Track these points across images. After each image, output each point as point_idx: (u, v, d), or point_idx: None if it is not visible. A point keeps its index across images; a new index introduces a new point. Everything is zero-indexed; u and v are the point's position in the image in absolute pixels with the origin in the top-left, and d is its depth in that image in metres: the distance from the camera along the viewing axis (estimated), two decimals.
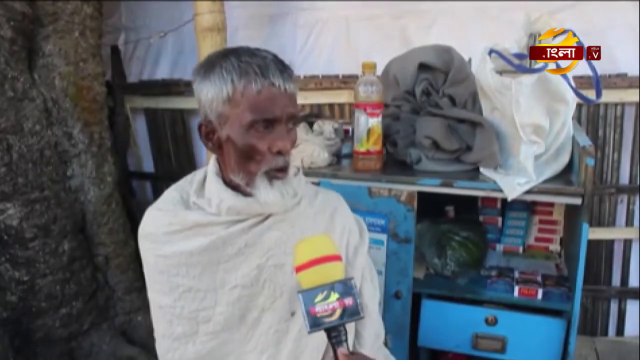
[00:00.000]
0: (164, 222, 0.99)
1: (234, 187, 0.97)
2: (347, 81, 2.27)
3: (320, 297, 0.81)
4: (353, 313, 0.82)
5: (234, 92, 0.89)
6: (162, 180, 2.70)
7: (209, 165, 1.02)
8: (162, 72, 2.57)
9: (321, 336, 0.84)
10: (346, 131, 1.72)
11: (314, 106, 2.35)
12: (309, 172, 1.47)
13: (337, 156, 1.61)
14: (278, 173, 0.95)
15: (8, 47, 1.74)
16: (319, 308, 0.81)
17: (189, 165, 2.63)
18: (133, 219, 2.27)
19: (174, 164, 2.67)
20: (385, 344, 1.19)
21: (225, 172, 0.98)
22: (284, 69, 0.91)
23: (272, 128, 0.92)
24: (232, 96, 0.89)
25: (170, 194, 1.05)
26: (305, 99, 2.30)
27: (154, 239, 1.00)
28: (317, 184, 1.44)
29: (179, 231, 0.98)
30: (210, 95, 0.91)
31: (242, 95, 0.89)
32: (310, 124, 1.59)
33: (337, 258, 0.86)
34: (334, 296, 0.81)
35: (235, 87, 0.89)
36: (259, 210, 0.97)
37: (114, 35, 2.60)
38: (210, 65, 0.92)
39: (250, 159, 0.93)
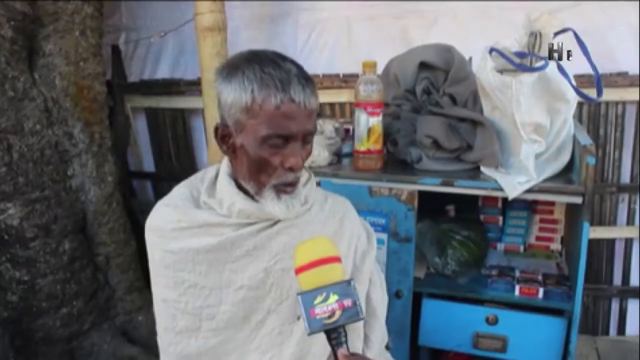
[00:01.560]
0: (172, 218, 0.99)
1: (246, 191, 0.97)
2: (347, 80, 2.27)
3: (319, 298, 0.81)
4: (352, 314, 0.81)
5: (253, 103, 0.87)
6: (162, 180, 2.70)
7: (222, 165, 1.02)
8: (163, 72, 2.57)
9: (326, 340, 0.84)
10: (347, 130, 1.72)
11: None
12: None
13: (338, 155, 1.61)
14: (287, 187, 0.95)
15: (8, 46, 1.73)
16: (319, 310, 0.80)
17: (189, 164, 2.64)
18: (134, 219, 2.27)
19: (175, 164, 2.67)
20: (387, 346, 1.19)
21: (237, 176, 0.98)
22: (306, 84, 0.89)
23: (287, 144, 0.90)
24: (251, 107, 0.88)
25: (180, 190, 1.04)
26: None
27: (161, 234, 1.00)
28: (318, 183, 1.43)
29: (188, 228, 0.98)
30: (229, 99, 0.89)
31: (261, 107, 0.87)
32: None
33: (336, 259, 0.85)
34: (334, 298, 0.81)
35: (254, 98, 0.87)
36: (268, 216, 0.97)
37: (114, 35, 2.60)
38: (234, 68, 0.90)
39: (262, 171, 0.93)
